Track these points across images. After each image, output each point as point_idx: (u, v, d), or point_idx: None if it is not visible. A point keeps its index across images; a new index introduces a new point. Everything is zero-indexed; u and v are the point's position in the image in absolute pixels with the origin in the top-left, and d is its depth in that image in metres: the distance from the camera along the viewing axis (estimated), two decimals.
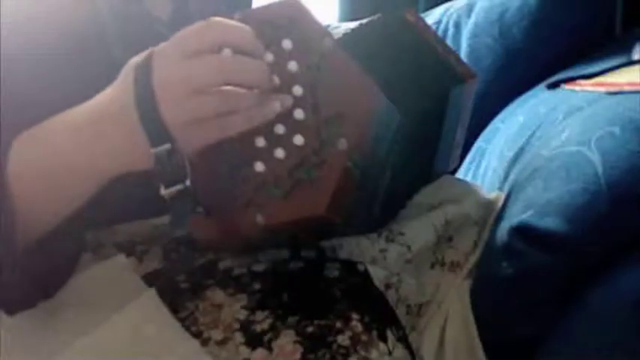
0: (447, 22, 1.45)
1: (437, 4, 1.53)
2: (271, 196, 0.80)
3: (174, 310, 0.83)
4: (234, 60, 0.77)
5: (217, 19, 0.77)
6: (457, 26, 1.44)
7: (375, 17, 0.93)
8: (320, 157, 0.79)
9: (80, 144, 0.79)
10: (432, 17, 1.46)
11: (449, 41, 1.39)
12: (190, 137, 0.77)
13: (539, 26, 1.34)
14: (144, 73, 0.76)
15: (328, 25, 0.91)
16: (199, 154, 0.79)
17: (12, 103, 0.81)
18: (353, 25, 0.92)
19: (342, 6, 1.73)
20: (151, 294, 0.83)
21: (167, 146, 0.76)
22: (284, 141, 0.80)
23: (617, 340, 0.87)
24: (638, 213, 0.89)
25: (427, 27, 0.98)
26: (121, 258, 0.87)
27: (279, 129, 0.80)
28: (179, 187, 0.78)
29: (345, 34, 0.89)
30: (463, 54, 1.37)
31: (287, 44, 0.79)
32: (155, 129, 0.76)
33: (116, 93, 0.78)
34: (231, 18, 0.80)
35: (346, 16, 1.68)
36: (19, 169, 0.80)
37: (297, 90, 0.79)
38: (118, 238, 0.89)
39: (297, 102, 0.79)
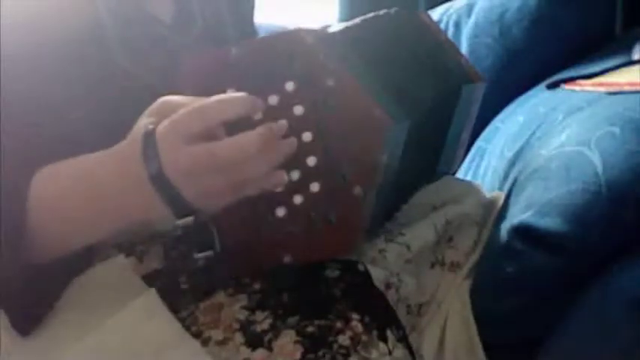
0: (447, 22, 1.45)
1: (437, 4, 1.53)
2: (295, 238, 0.81)
3: (175, 310, 0.83)
4: (236, 144, 0.75)
5: (213, 99, 0.75)
6: (457, 26, 1.44)
7: (390, 11, 0.93)
8: (336, 200, 0.79)
9: (104, 212, 0.80)
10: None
11: None
12: (209, 205, 0.77)
13: (539, 26, 1.34)
14: (152, 158, 0.75)
15: (328, 26, 0.90)
16: (221, 210, 0.79)
17: (16, 106, 0.81)
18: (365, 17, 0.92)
19: (342, 6, 1.73)
20: (152, 294, 0.83)
21: (190, 219, 0.77)
22: (300, 188, 0.80)
23: (617, 339, 0.87)
24: (638, 213, 0.89)
25: (440, 29, 0.99)
26: (121, 258, 0.86)
27: (295, 175, 0.79)
28: (209, 253, 0.80)
29: (364, 21, 0.89)
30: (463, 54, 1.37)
31: (290, 86, 0.78)
32: (177, 205, 0.76)
33: (134, 177, 0.77)
34: (228, 52, 0.79)
35: (346, 16, 1.68)
36: (37, 206, 0.80)
37: (307, 136, 0.79)
38: (118, 238, 0.89)
39: (309, 149, 0.79)
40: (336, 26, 0.88)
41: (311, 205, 0.80)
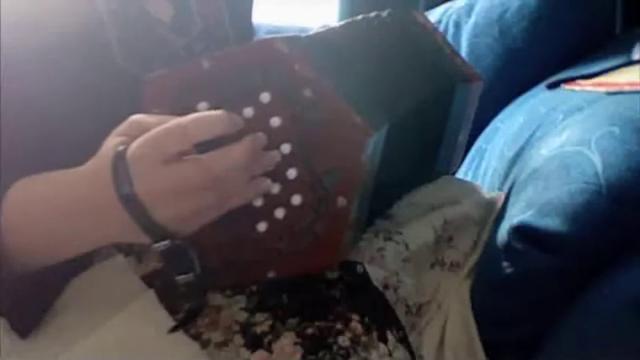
0: (447, 22, 1.45)
1: (437, 4, 1.53)
2: (279, 252, 0.80)
3: (173, 312, 0.82)
4: (217, 158, 0.74)
5: (190, 118, 0.73)
6: (457, 26, 1.44)
7: (381, 12, 0.93)
8: (320, 213, 0.78)
9: (77, 232, 0.78)
10: (432, 17, 1.46)
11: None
12: (186, 227, 0.76)
13: (539, 26, 1.34)
14: (124, 180, 0.73)
15: (326, 26, 0.90)
16: (201, 230, 0.77)
17: (12, 110, 0.81)
18: (359, 17, 0.91)
19: (342, 6, 1.73)
20: (151, 296, 0.83)
21: (167, 242, 0.75)
22: (282, 201, 0.78)
23: (617, 340, 0.87)
24: (638, 213, 0.89)
25: (435, 29, 0.98)
26: (120, 258, 0.86)
27: (275, 188, 0.78)
28: (190, 276, 0.78)
29: (356, 22, 0.88)
30: (463, 54, 1.37)
31: (265, 97, 0.76)
32: (153, 231, 0.75)
33: (105, 199, 0.74)
34: (199, 65, 0.77)
35: (346, 16, 1.68)
36: (10, 220, 0.79)
37: (286, 148, 0.77)
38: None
39: (288, 160, 0.77)
40: (317, 29, 0.87)
41: (294, 219, 0.78)
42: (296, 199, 0.78)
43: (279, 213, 0.78)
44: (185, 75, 0.78)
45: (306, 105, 0.76)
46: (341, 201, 0.77)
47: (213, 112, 0.74)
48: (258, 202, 0.78)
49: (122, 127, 0.76)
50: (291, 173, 0.77)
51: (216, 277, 0.81)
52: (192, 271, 0.78)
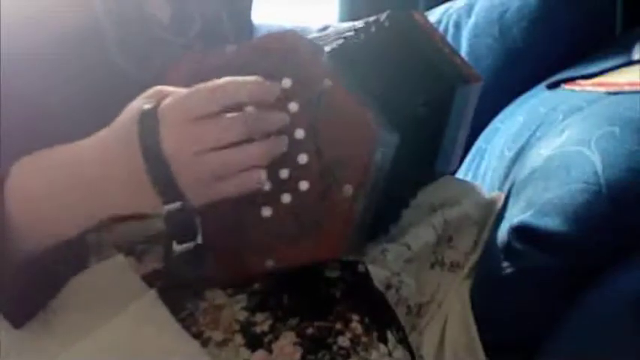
0: (447, 22, 1.45)
1: (437, 4, 1.53)
2: (280, 240, 0.80)
3: (174, 311, 0.83)
4: (257, 116, 0.75)
5: (226, 80, 0.74)
6: (457, 26, 1.44)
7: (383, 15, 0.93)
8: (325, 202, 0.78)
9: (85, 200, 0.78)
10: (432, 17, 1.46)
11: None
12: (201, 196, 0.76)
13: (539, 26, 1.34)
14: (152, 141, 0.73)
15: (327, 26, 0.90)
16: (208, 205, 0.77)
17: (11, 108, 0.81)
18: (358, 23, 0.92)
19: (342, 6, 1.73)
20: (151, 295, 0.83)
21: (177, 205, 0.75)
22: (290, 186, 0.79)
23: (616, 340, 0.87)
24: (638, 213, 0.89)
25: (434, 29, 0.98)
26: (120, 258, 0.86)
27: (284, 173, 0.79)
28: (191, 245, 0.78)
29: (353, 31, 0.88)
30: (463, 54, 1.37)
31: (286, 83, 0.78)
32: (168, 192, 0.75)
33: (122, 156, 0.75)
34: (224, 50, 0.79)
35: (346, 16, 1.68)
36: (16, 197, 0.79)
37: (299, 133, 0.78)
38: (117, 237, 0.89)
39: (300, 146, 0.78)
40: (317, 31, 0.88)
41: (299, 205, 0.79)
42: (303, 185, 0.79)
43: (286, 198, 0.79)
44: (208, 60, 0.80)
45: (323, 94, 0.77)
46: (347, 189, 0.78)
47: (248, 77, 0.75)
48: (267, 187, 0.79)
49: (147, 92, 0.77)
50: (302, 158, 0.78)
51: (216, 263, 0.81)
52: (193, 241, 0.78)
